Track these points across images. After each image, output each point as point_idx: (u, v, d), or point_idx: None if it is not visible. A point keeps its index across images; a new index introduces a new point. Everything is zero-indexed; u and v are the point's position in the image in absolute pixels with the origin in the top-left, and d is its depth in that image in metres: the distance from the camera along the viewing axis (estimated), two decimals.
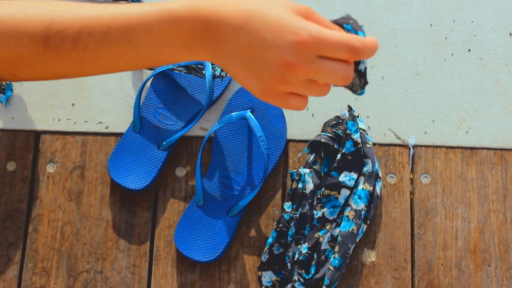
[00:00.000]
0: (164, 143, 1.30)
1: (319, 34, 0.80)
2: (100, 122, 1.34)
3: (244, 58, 0.82)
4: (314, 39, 0.79)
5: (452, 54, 1.38)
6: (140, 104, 1.32)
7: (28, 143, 1.33)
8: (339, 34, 0.80)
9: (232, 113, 1.29)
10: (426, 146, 1.34)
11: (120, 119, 1.34)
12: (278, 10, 0.81)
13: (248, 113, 1.29)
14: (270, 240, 1.26)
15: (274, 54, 0.80)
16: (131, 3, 0.90)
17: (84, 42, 0.88)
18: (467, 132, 1.34)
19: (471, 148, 1.34)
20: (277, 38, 0.80)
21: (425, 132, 1.34)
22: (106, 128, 1.34)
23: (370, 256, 1.28)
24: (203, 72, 1.32)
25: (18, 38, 0.88)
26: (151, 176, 1.28)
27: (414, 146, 1.33)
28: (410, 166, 1.33)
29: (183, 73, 1.32)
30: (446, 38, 1.39)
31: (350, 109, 1.30)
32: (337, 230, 1.26)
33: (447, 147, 1.34)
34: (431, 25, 1.40)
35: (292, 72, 0.81)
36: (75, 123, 1.34)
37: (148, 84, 1.34)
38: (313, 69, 0.81)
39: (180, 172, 1.32)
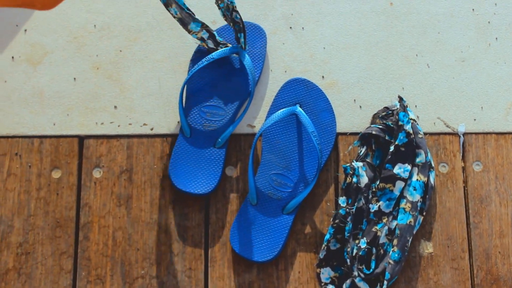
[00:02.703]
0: (219, 139, 1.27)
1: None
2: (144, 124, 1.31)
3: None
4: None
5: (496, 38, 1.37)
6: (184, 107, 1.29)
7: (72, 149, 1.30)
8: None
9: (282, 110, 1.26)
10: (476, 133, 1.32)
11: (165, 120, 1.31)
12: None
13: (298, 108, 1.27)
14: (327, 236, 1.24)
15: None
16: None
17: None
18: None
19: None
20: None
21: (474, 119, 1.33)
22: (151, 129, 1.31)
23: (427, 247, 1.27)
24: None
25: None
26: (217, 175, 1.26)
27: (464, 134, 1.32)
28: (461, 154, 1.31)
29: (213, 56, 1.28)
30: (489, 22, 1.37)
31: (400, 99, 1.28)
32: (394, 223, 1.24)
33: (498, 133, 1.32)
34: (473, 9, 1.38)
35: None
36: (119, 126, 1.31)
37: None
38: None
39: (230, 171, 1.29)
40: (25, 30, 1.35)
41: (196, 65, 1.28)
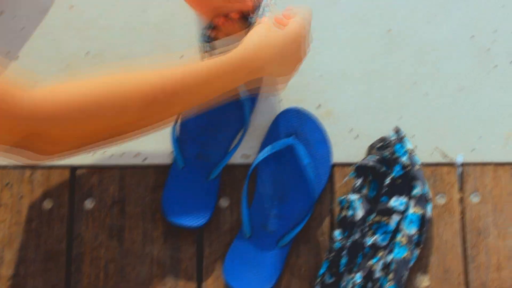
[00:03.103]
0: (213, 171, 1.25)
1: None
2: (137, 154, 1.29)
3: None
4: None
5: (496, 66, 1.34)
6: (177, 138, 1.27)
7: (64, 180, 1.28)
8: None
9: (277, 142, 1.24)
10: (474, 164, 1.30)
11: (158, 150, 1.30)
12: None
13: (293, 140, 1.24)
14: (322, 270, 1.22)
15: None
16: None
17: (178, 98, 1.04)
18: None
19: None
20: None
21: (473, 149, 1.30)
22: (144, 160, 1.29)
23: (423, 281, 1.25)
24: None
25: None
26: (210, 208, 1.24)
27: (462, 164, 1.30)
28: (459, 185, 1.29)
29: None
30: (488, 49, 1.35)
31: (397, 130, 1.26)
32: (390, 257, 1.22)
33: (496, 164, 1.30)
34: (472, 36, 1.35)
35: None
36: (111, 156, 1.29)
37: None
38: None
39: (224, 202, 1.28)
40: (17, 57, 1.33)
41: None
